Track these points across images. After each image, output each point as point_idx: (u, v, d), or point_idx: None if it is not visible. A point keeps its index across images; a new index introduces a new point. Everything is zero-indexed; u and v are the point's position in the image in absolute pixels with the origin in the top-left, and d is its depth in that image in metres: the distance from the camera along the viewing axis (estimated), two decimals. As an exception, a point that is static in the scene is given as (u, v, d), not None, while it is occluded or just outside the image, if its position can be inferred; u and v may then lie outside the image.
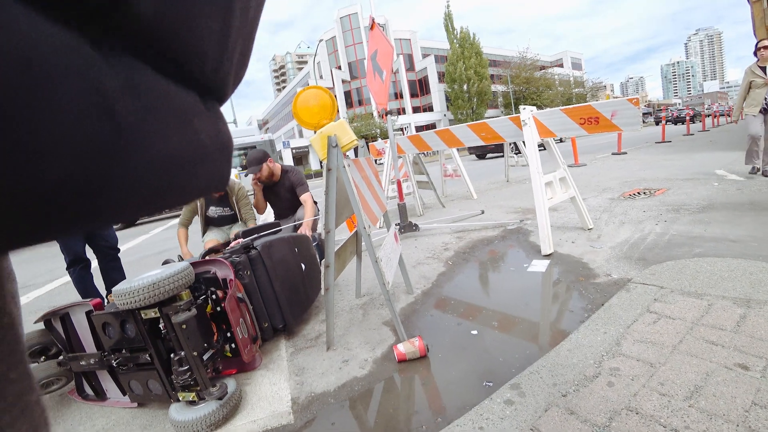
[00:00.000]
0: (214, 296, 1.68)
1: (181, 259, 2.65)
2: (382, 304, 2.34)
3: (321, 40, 37.28)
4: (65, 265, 2.64)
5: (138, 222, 10.24)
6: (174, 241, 5.59)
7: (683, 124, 19.41)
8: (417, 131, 5.59)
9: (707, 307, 1.63)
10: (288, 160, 33.59)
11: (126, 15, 0.19)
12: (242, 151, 13.63)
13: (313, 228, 2.98)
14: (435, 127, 8.08)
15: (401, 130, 5.36)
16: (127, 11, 0.19)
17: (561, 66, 55.17)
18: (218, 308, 1.67)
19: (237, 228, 3.22)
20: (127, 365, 1.56)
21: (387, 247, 1.96)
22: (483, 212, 4.49)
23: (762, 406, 1.07)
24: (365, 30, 35.25)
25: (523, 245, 3.09)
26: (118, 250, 2.84)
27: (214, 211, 3.21)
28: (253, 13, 0.29)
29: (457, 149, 5.67)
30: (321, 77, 39.23)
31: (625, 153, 9.05)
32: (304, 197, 3.11)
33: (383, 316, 2.19)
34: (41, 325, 1.77)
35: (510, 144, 7.37)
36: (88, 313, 1.64)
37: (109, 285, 2.72)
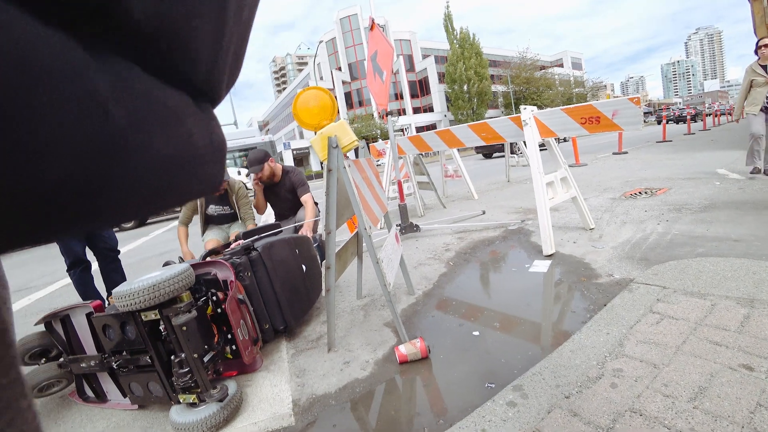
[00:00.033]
0: (214, 298, 1.68)
1: (181, 260, 2.64)
2: (383, 305, 2.34)
3: (321, 42, 37.32)
4: (66, 267, 2.64)
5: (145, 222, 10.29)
6: (174, 242, 5.60)
7: (684, 123, 19.39)
8: (417, 132, 5.60)
9: (710, 307, 1.62)
10: (289, 161, 33.65)
11: (119, 17, 0.19)
12: (243, 153, 13.71)
13: (314, 229, 2.97)
14: (435, 128, 8.08)
15: (402, 130, 5.36)
16: (121, 13, 0.19)
17: (561, 66, 55.19)
18: (219, 310, 1.67)
19: (236, 227, 3.22)
20: (128, 367, 1.56)
21: (388, 247, 1.96)
22: (484, 213, 4.49)
23: (767, 408, 1.06)
24: (365, 31, 35.27)
25: (524, 245, 3.09)
26: (118, 251, 2.84)
27: (213, 209, 3.20)
28: (247, 14, 0.29)
29: (464, 149, 5.68)
30: (321, 78, 39.33)
31: (626, 152, 9.04)
32: (305, 198, 3.10)
33: (384, 317, 2.18)
34: (42, 327, 1.77)
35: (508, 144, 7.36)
36: (89, 315, 1.64)
37: (110, 287, 2.73)
